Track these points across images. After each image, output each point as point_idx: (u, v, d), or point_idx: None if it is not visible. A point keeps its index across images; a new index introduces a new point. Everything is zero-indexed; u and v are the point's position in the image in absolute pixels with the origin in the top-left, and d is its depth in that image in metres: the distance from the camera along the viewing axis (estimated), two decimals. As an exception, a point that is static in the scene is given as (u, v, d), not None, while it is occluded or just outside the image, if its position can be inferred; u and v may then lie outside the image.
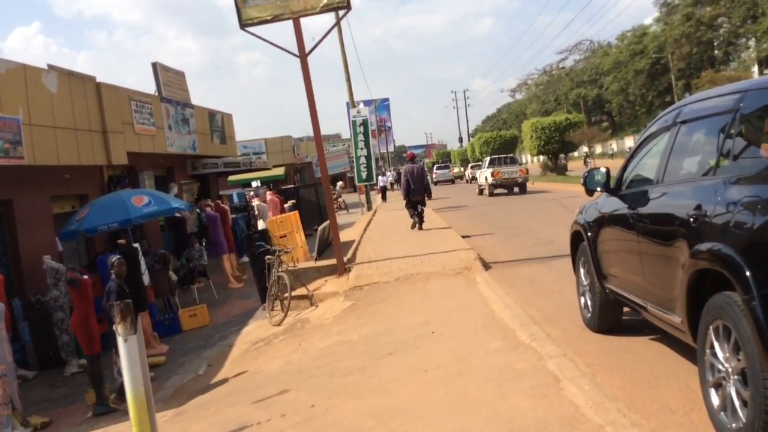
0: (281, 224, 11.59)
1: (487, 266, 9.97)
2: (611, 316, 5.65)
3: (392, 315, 8.09)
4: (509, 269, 9.87)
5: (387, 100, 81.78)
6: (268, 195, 16.40)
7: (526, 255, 11.15)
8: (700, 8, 58.59)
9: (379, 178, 36.02)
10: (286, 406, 5.64)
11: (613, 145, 66.53)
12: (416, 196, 15.00)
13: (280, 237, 11.46)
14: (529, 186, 29.49)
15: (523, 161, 79.48)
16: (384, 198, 33.16)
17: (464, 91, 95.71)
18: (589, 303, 5.87)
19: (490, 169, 29.40)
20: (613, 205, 5.21)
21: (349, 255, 11.12)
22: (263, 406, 5.93)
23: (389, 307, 8.48)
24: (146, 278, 10.62)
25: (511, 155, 33.61)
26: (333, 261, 10.55)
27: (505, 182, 28.47)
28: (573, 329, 6.06)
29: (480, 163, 40.52)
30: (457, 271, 9.59)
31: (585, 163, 38.73)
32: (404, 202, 15.65)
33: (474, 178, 33.36)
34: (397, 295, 8.94)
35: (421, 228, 15.25)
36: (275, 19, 10.34)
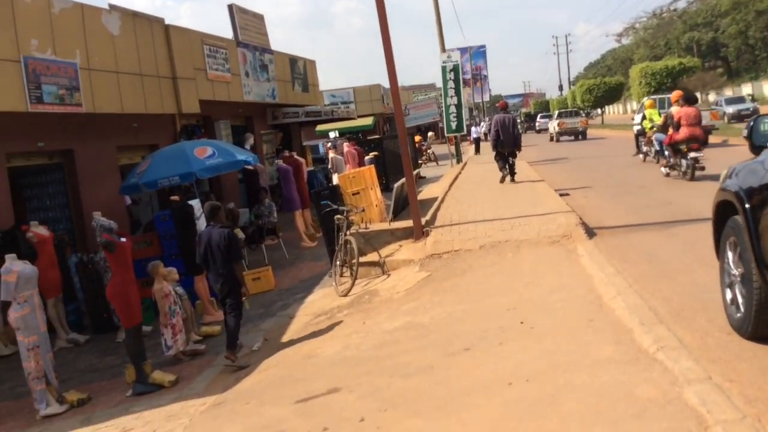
0: (354, 179, 10.35)
1: (591, 233, 8.36)
2: (774, 321, 4.06)
3: (473, 293, 6.72)
4: (619, 238, 8.22)
5: (483, 47, 78.42)
6: (345, 146, 15.16)
7: (638, 219, 9.40)
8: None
9: (472, 129, 34.17)
10: (332, 416, 4.46)
11: (728, 93, 60.95)
12: (506, 147, 14.09)
13: (353, 194, 10.23)
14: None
15: (630, 109, 74.67)
16: (477, 150, 31.44)
17: (566, 36, 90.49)
18: (740, 299, 4.28)
19: (557, 120, 36.04)
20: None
21: (428, 216, 9.75)
22: (306, 409, 4.79)
23: (470, 283, 7.10)
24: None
25: (575, 109, 40.11)
26: (410, 223, 9.23)
27: (568, 131, 34.41)
28: (715, 333, 4.48)
29: (548, 114, 48.52)
30: (554, 239, 8.04)
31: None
32: (494, 154, 14.64)
33: (565, 132, 35.53)
34: (481, 268, 7.54)
35: (513, 180, 14.23)
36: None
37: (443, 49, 23.22)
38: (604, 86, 52.84)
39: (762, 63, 66.47)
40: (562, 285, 6.23)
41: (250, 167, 13.13)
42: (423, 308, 6.72)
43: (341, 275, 9.06)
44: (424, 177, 23.11)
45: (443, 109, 22.85)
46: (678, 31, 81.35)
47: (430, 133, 35.02)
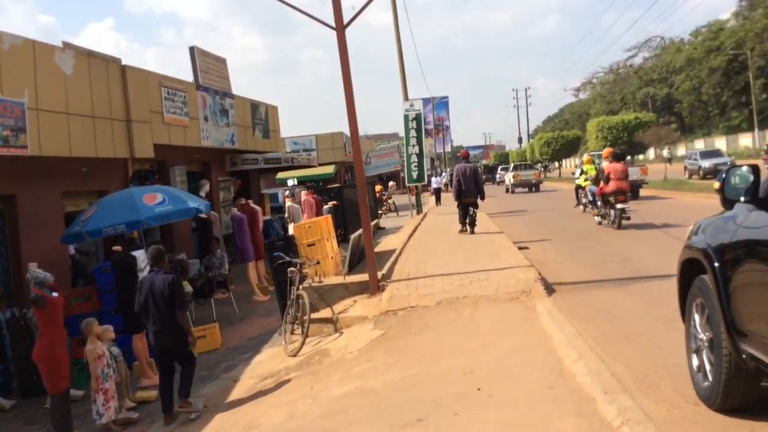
0: (309, 230, 9.99)
1: (550, 290, 8.13)
2: (744, 391, 3.79)
3: (429, 354, 6.37)
4: (578, 294, 8.00)
5: (446, 98, 79.71)
6: (303, 195, 14.80)
7: (597, 275, 9.24)
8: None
9: (433, 179, 34.21)
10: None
11: (681, 149, 62.84)
12: (468, 197, 13.94)
13: (308, 245, 9.87)
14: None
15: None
16: (438, 201, 31.36)
17: (525, 89, 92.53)
18: (707, 367, 4.03)
19: (513, 173, 38.75)
20: (765, 224, 3.41)
21: (384, 270, 9.42)
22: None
23: (426, 342, 6.76)
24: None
25: (529, 162, 43.36)
26: (365, 276, 8.89)
27: (522, 182, 36.47)
28: (681, 404, 4.21)
29: (507, 166, 50.03)
30: (513, 295, 7.78)
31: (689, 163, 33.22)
32: (455, 204, 14.53)
33: (519, 184, 38.11)
34: (438, 326, 7.21)
35: (473, 232, 14.05)
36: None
37: (406, 98, 23.31)
38: (561, 139, 53.88)
39: (714, 119, 68.77)
40: (521, 346, 5.93)
41: (203, 215, 12.70)
42: (376, 371, 6.34)
43: (292, 332, 8.62)
44: (384, 228, 22.87)
45: (405, 158, 22.79)
46: (634, 86, 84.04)
47: (390, 183, 34.94)
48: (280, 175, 28.79)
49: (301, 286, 8.66)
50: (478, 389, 4.98)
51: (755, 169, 3.65)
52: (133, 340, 8.44)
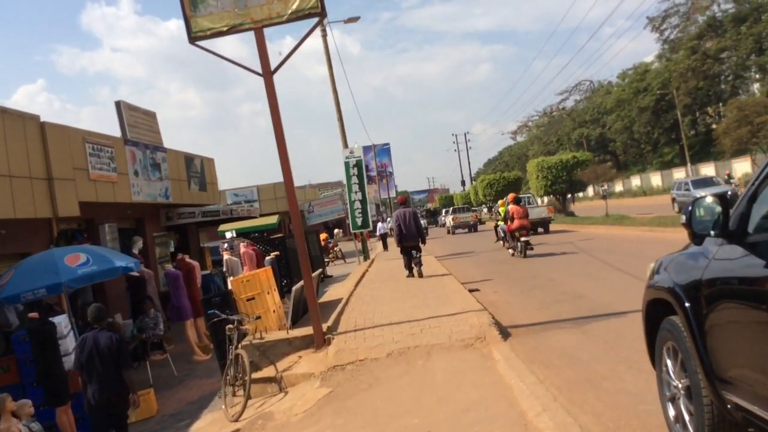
0: (248, 284, 9.37)
1: (505, 333, 7.74)
2: (730, 445, 3.40)
3: (380, 413, 5.84)
4: (535, 338, 7.63)
5: (387, 144, 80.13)
6: (242, 247, 14.15)
7: (551, 315, 8.92)
8: (705, 41, 57.22)
9: (379, 224, 33.88)
10: None
11: (618, 186, 64.60)
12: (409, 241, 13.80)
13: (247, 300, 9.25)
14: (539, 230, 27.82)
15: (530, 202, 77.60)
16: (385, 246, 30.91)
17: (465, 134, 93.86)
18: (686, 417, 3.64)
19: (452, 215, 42.55)
20: (738, 258, 3.07)
21: (330, 322, 8.85)
22: None
23: (377, 399, 6.23)
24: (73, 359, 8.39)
25: (466, 205, 47.78)
26: (310, 330, 8.31)
27: (461, 224, 39.52)
28: (660, 460, 3.81)
29: (447, 209, 54.53)
30: (467, 342, 7.34)
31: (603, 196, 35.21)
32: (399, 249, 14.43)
33: (458, 226, 41.42)
34: (389, 380, 6.69)
35: (421, 275, 13.80)
36: (232, 30, 8.36)
37: (345, 145, 23.07)
38: (503, 181, 54.58)
39: (648, 156, 71.09)
40: (480, 399, 5.47)
41: (134, 274, 11.93)
42: (323, 435, 5.76)
43: (234, 395, 7.96)
44: (331, 276, 22.29)
45: (348, 205, 22.41)
46: (568, 128, 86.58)
47: (336, 230, 34.44)
48: (223, 227, 27.97)
49: (240, 345, 8.03)
50: (436, 453, 4.48)
51: (722, 199, 3.33)
52: (56, 413, 7.61)
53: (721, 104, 58.50)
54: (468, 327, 7.78)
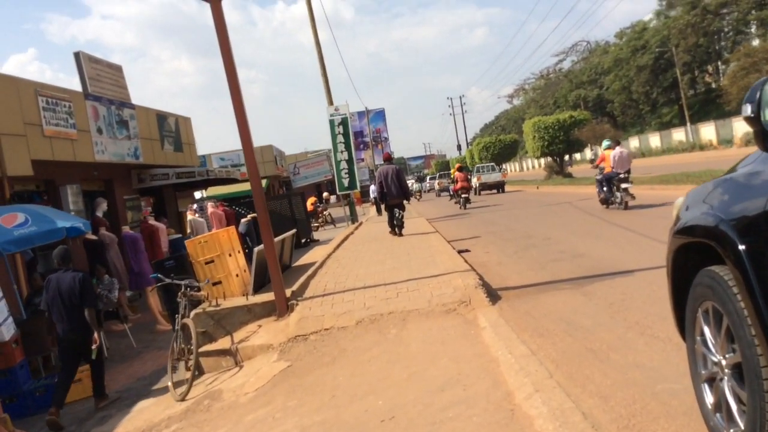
0: (206, 245, 8.28)
1: (494, 297, 6.73)
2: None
3: (341, 392, 4.83)
4: (528, 301, 6.61)
5: (382, 109, 78.54)
6: (210, 207, 13.01)
7: (548, 276, 7.90)
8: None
9: (371, 188, 32.74)
10: None
11: (635, 142, 62.95)
12: (392, 199, 13.27)
13: (205, 263, 8.21)
14: (535, 191, 27.27)
15: (525, 167, 76.41)
16: (379, 211, 29.82)
17: (460, 98, 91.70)
18: (733, 408, 2.60)
19: (438, 180, 49.35)
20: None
21: (295, 286, 7.78)
22: None
23: (339, 376, 5.22)
24: (5, 330, 7.38)
25: (491, 163, 43.68)
26: (272, 296, 7.28)
27: (444, 188, 41.40)
28: (695, 461, 2.80)
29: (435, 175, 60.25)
30: (449, 307, 6.33)
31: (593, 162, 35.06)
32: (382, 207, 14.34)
33: (443, 189, 44.22)
34: (356, 352, 5.68)
35: (401, 234, 13.42)
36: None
37: (330, 102, 21.81)
38: (499, 144, 53.43)
39: (646, 117, 69.71)
40: (458, 375, 4.46)
41: (91, 237, 10.87)
42: (272, 419, 4.77)
43: (187, 369, 6.95)
44: (317, 240, 21.26)
45: (334, 166, 21.30)
46: (565, 89, 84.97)
47: (325, 194, 33.20)
48: (211, 191, 26.87)
49: (192, 313, 7.02)
50: (399, 446, 3.48)
51: None
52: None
53: (720, 62, 57.06)
54: (451, 290, 6.76)
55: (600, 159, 15.82)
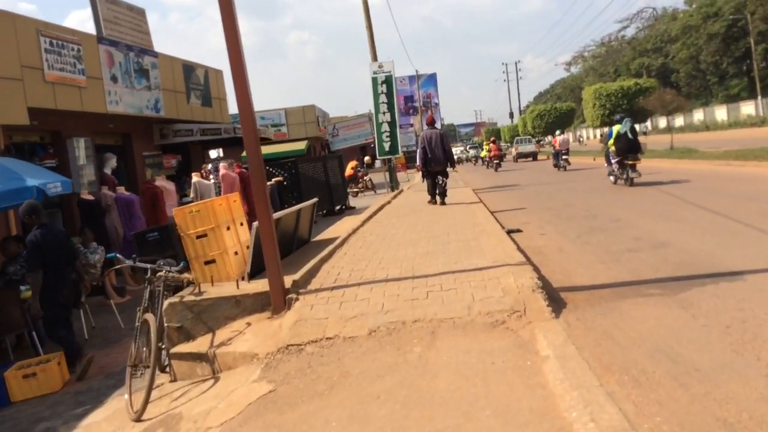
0: (197, 215, 6.71)
1: (558, 303, 5.01)
2: None
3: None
4: (604, 311, 4.86)
5: (434, 74, 75.93)
6: (222, 169, 11.42)
7: (625, 273, 6.12)
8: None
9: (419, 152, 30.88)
10: None
11: (679, 120, 59.28)
12: (435, 165, 12.48)
13: (197, 237, 6.69)
14: (593, 163, 25.44)
15: (583, 136, 73.11)
16: (424, 177, 28.04)
17: (516, 63, 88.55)
18: None
19: (516, 146, 44.84)
20: None
21: (299, 274, 6.13)
22: None
23: (333, 419, 3.60)
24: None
25: (528, 136, 45.79)
26: (268, 285, 5.67)
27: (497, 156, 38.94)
28: None
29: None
30: (496, 318, 4.63)
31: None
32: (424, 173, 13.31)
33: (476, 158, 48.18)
34: (362, 379, 4.05)
35: (443, 203, 12.47)
36: None
37: (375, 58, 19.97)
38: (555, 112, 50.83)
39: (713, 88, 65.64)
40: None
41: (87, 197, 9.48)
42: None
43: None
44: (354, 207, 19.68)
45: (375, 127, 19.57)
46: (627, 57, 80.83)
47: (366, 158, 31.43)
48: (247, 152, 25.43)
49: (166, 302, 5.49)
50: None
51: None
52: None
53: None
54: (500, 292, 5.04)
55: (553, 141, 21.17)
